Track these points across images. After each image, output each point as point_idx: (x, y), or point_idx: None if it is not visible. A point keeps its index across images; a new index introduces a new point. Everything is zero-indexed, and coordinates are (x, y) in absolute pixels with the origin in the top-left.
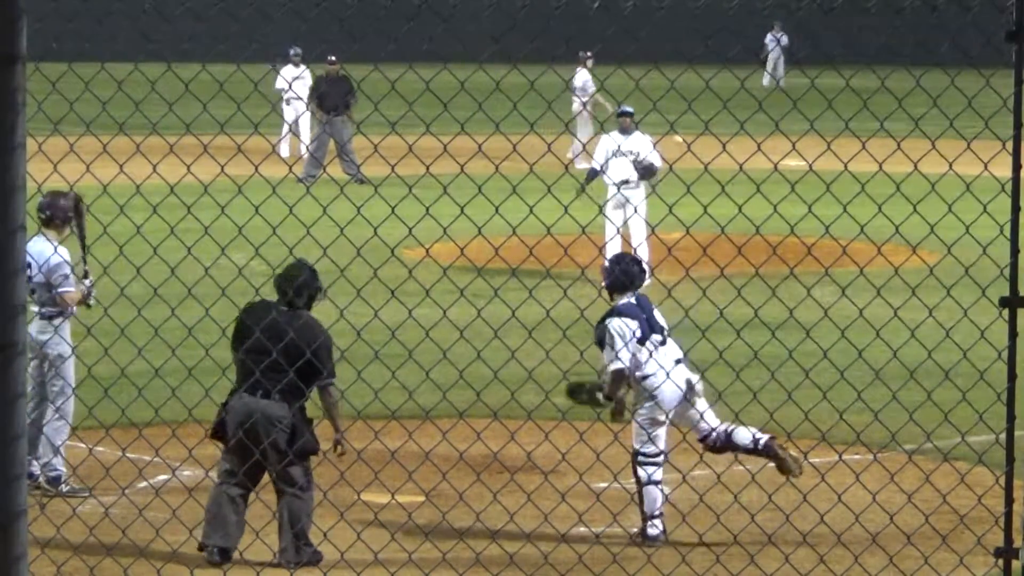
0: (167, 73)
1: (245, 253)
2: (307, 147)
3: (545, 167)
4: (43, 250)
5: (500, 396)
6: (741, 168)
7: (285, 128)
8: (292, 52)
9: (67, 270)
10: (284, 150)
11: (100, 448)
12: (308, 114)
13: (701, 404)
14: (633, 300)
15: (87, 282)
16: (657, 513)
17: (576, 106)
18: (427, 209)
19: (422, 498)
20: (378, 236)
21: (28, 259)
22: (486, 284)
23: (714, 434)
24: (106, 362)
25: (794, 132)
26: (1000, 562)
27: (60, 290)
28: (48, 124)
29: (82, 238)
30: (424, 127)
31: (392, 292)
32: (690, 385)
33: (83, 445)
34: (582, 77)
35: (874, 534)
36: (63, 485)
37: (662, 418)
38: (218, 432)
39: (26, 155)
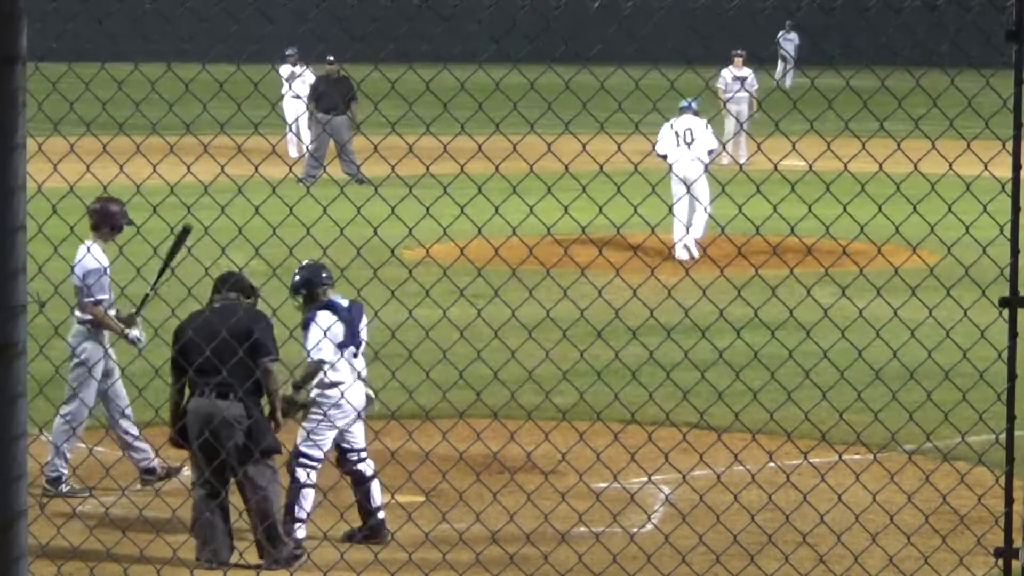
0: (167, 73)
1: (245, 253)
2: (307, 147)
3: (545, 167)
4: (81, 254)
5: (500, 396)
6: (741, 168)
7: (287, 128)
8: (288, 52)
9: (96, 278)
10: (293, 150)
11: (100, 448)
12: (306, 114)
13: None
14: (345, 303)
15: (134, 332)
16: (306, 516)
17: (732, 106)
18: (427, 209)
19: (422, 498)
20: (378, 236)
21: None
22: (486, 284)
23: (358, 464)
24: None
25: (794, 132)
26: (1000, 562)
27: (86, 299)
28: (48, 124)
29: (162, 268)
30: (424, 127)
31: (392, 292)
32: (369, 400)
33: (83, 445)
34: (730, 74)
35: (874, 534)
36: (63, 485)
37: (340, 424)
38: (181, 439)
39: (26, 155)
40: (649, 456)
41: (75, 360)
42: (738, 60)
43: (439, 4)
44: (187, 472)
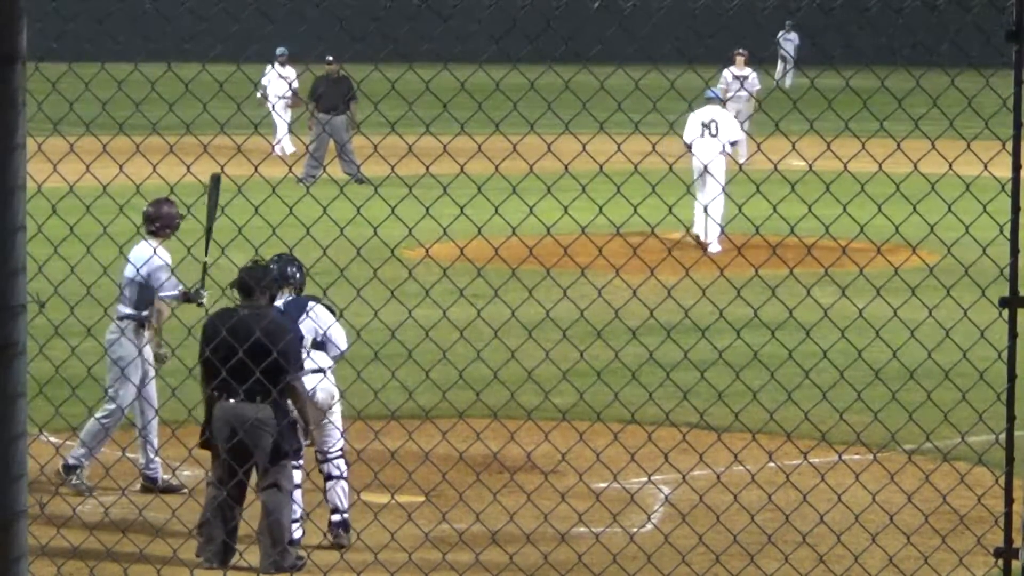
0: (167, 73)
1: (245, 253)
2: (307, 147)
3: (545, 167)
4: (143, 253)
5: (500, 396)
6: (741, 168)
7: (284, 127)
8: (279, 52)
9: (167, 274)
10: (290, 147)
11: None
12: (289, 113)
13: (336, 420)
14: (281, 302)
15: (204, 292)
16: (299, 516)
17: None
18: (427, 209)
19: (422, 498)
20: (378, 236)
21: (128, 262)
22: (486, 284)
23: (323, 464)
24: (106, 362)
25: (794, 132)
26: (1000, 562)
27: (163, 294)
28: (48, 124)
29: (209, 224)
30: (424, 127)
31: (392, 292)
32: (312, 393)
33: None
34: (731, 74)
35: (874, 534)
36: (75, 477)
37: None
38: (206, 441)
39: (26, 155)
40: (649, 456)
41: (109, 359)
42: (739, 59)
43: (439, 4)
44: (188, 473)
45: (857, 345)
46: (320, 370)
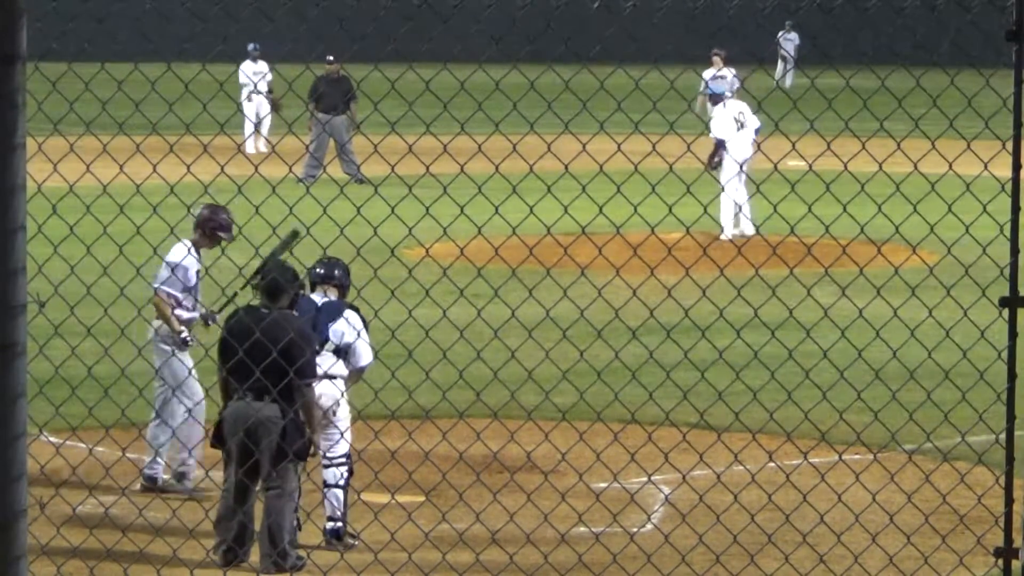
0: (167, 73)
1: (245, 253)
2: (307, 147)
3: (545, 167)
4: (171, 248)
5: (500, 396)
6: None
7: (249, 126)
8: (251, 48)
9: (168, 273)
10: (250, 147)
11: (100, 448)
12: (269, 111)
13: (342, 425)
14: (319, 301)
15: (185, 334)
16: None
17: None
18: (427, 209)
19: (422, 498)
20: (378, 236)
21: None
22: (486, 284)
23: (326, 468)
24: (106, 362)
25: (794, 132)
26: (1000, 562)
27: (155, 285)
28: (48, 124)
29: (261, 265)
30: (424, 127)
31: (392, 292)
32: (318, 398)
33: (83, 445)
34: (709, 76)
35: (874, 534)
36: (188, 481)
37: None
38: (217, 440)
39: (26, 155)
40: (649, 456)
41: (156, 362)
42: (716, 60)
43: (439, 4)
44: (191, 472)
45: (857, 345)
46: (331, 376)
